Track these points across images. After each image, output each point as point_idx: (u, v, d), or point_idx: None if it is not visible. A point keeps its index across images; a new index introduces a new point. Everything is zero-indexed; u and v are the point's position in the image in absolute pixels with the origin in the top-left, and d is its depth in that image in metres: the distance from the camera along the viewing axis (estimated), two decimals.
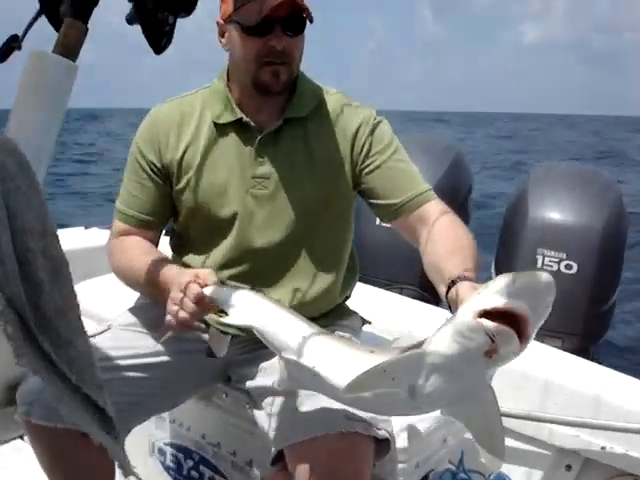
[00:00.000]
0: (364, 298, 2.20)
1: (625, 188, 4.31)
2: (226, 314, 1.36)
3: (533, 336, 0.96)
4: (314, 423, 1.34)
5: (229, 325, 1.38)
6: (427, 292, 2.98)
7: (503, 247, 3.07)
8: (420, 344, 1.08)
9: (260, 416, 1.52)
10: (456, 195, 3.24)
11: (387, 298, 2.55)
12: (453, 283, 1.23)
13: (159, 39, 1.49)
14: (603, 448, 1.83)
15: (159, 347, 1.58)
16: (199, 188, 1.60)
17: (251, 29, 1.46)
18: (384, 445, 1.41)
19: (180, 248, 1.73)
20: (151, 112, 1.69)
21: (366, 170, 1.60)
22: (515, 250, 2.91)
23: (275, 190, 1.59)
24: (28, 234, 0.87)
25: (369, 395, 1.10)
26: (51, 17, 1.38)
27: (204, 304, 1.34)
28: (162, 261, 1.57)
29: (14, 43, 1.39)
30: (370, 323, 1.87)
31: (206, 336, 1.60)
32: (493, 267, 3.12)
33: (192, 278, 1.37)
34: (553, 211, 2.87)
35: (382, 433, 1.37)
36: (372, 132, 1.62)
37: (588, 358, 2.21)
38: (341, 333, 1.62)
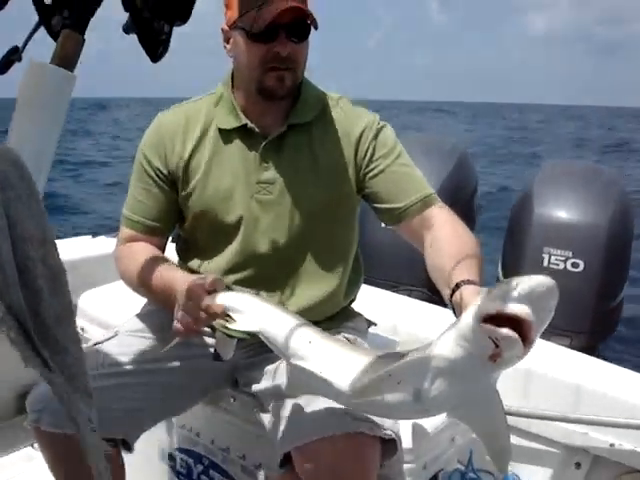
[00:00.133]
0: (371, 300, 2.21)
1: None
2: (233, 319, 1.37)
3: (536, 340, 0.96)
4: (320, 424, 1.35)
5: (236, 330, 1.40)
6: (435, 294, 2.98)
7: (509, 247, 3.08)
8: (425, 348, 1.09)
9: (268, 419, 1.53)
10: (461, 195, 3.25)
11: (394, 300, 2.55)
12: (457, 287, 1.23)
13: (156, 48, 1.51)
14: (612, 445, 1.83)
15: (166, 353, 1.58)
16: (205, 194, 1.61)
17: (256, 35, 1.47)
18: (391, 445, 1.41)
19: (186, 253, 1.74)
20: (156, 119, 1.70)
21: (370, 174, 1.61)
22: (521, 250, 2.92)
23: (280, 195, 1.60)
24: (28, 242, 0.88)
25: (375, 399, 1.10)
26: (50, 28, 1.40)
27: (211, 311, 1.35)
28: (169, 267, 1.59)
29: (14, 55, 1.41)
30: (376, 325, 1.87)
31: (212, 340, 1.61)
32: (500, 268, 3.13)
33: (199, 285, 1.39)
34: (558, 210, 2.87)
35: (388, 433, 1.37)
36: (376, 137, 1.63)
37: (596, 355, 2.21)
38: (347, 335, 1.63)
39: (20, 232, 0.87)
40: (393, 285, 3.03)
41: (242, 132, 1.61)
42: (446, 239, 1.46)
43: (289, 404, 1.44)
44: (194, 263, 1.69)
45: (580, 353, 2.12)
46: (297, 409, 1.42)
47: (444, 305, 2.61)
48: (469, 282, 1.23)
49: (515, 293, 0.93)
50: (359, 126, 1.64)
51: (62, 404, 0.94)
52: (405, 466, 1.54)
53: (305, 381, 1.26)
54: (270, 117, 1.61)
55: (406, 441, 1.51)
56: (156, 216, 1.66)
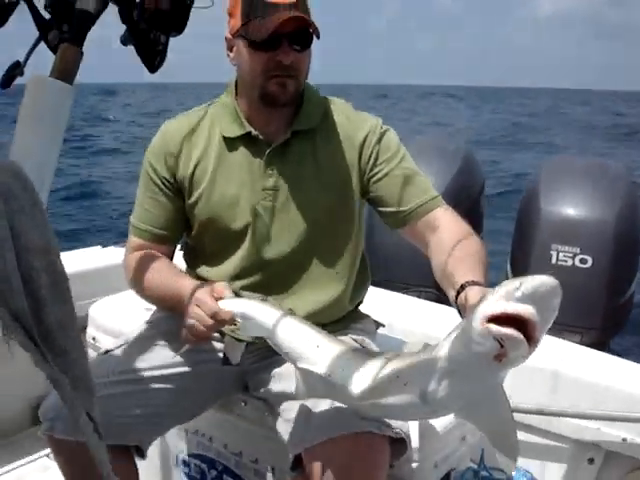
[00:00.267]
0: (381, 302, 2.21)
1: None
2: (241, 325, 1.39)
3: (541, 339, 0.97)
4: (329, 425, 1.36)
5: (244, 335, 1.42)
6: (445, 295, 2.97)
7: (517, 244, 3.07)
8: (431, 350, 1.10)
9: (278, 422, 1.54)
10: (468, 195, 3.25)
11: (403, 301, 2.55)
12: (462, 288, 1.25)
13: (153, 58, 1.53)
14: (624, 440, 1.83)
15: (176, 359, 1.60)
16: (211, 201, 1.63)
17: (259, 44, 1.49)
18: (401, 445, 1.42)
19: (194, 260, 1.76)
20: (161, 128, 1.71)
21: (374, 179, 1.62)
22: (529, 247, 2.91)
23: (285, 201, 1.61)
24: (32, 253, 0.89)
25: (382, 401, 1.12)
26: (48, 42, 1.43)
27: (219, 317, 1.37)
28: (177, 274, 1.61)
29: (17, 70, 1.43)
30: (384, 326, 1.88)
31: (221, 345, 1.63)
32: (509, 265, 3.12)
33: (207, 292, 1.41)
34: (565, 206, 2.86)
35: (397, 432, 1.38)
36: (379, 141, 1.64)
37: (607, 351, 2.21)
38: (355, 337, 1.64)
39: (24, 243, 0.88)
40: (403, 287, 3.03)
41: (246, 140, 1.63)
42: (450, 241, 1.47)
43: (298, 406, 1.46)
44: (201, 270, 1.71)
45: (591, 349, 2.12)
46: (306, 411, 1.43)
47: None
48: (474, 283, 1.24)
49: (519, 293, 0.94)
50: (362, 130, 1.65)
51: (65, 404, 0.96)
52: (415, 465, 1.55)
53: (313, 385, 1.27)
54: (274, 124, 1.63)
55: (415, 440, 1.52)
56: (163, 224, 1.68)
